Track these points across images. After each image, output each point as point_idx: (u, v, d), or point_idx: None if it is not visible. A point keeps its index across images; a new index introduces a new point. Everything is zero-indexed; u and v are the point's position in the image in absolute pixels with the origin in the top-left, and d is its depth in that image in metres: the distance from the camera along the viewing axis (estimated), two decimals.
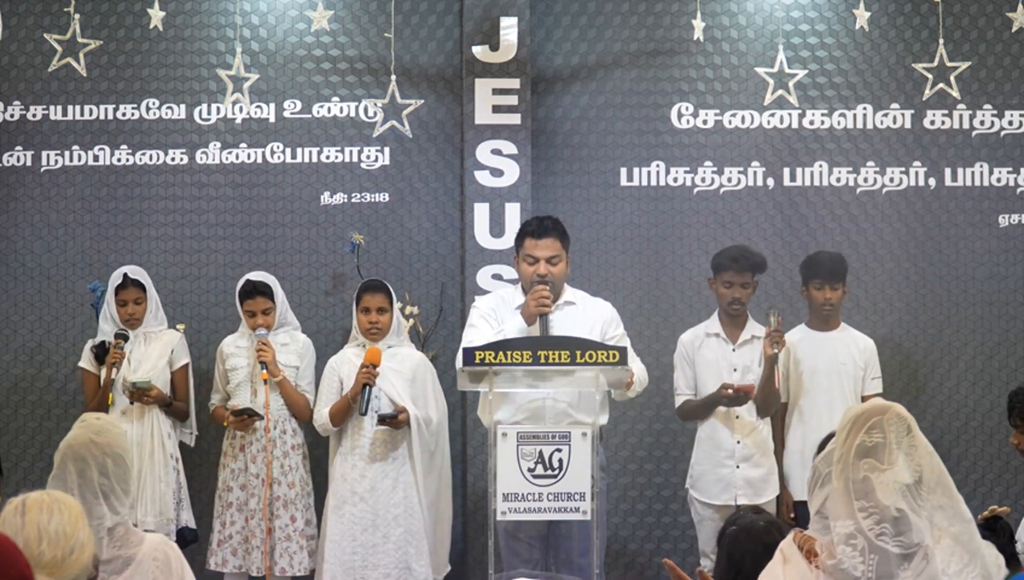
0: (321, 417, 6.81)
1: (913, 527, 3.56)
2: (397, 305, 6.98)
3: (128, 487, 4.10)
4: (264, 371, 6.75)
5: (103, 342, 6.89)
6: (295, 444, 6.88)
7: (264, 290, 6.94)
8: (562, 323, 6.16)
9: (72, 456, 4.04)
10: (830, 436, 4.22)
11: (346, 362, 6.87)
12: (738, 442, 6.68)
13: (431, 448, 6.84)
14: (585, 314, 6.32)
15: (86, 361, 6.98)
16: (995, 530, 4.33)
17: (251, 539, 6.75)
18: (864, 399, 6.72)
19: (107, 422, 4.20)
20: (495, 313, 6.28)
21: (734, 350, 6.78)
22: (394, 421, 6.68)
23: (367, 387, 6.61)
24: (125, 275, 6.94)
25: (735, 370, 6.74)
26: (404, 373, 6.82)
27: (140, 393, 6.74)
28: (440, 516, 6.90)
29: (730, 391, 6.61)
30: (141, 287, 6.94)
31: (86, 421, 4.16)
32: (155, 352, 6.93)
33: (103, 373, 6.84)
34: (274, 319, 6.93)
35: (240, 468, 6.81)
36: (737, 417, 6.69)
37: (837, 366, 6.85)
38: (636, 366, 6.18)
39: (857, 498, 3.59)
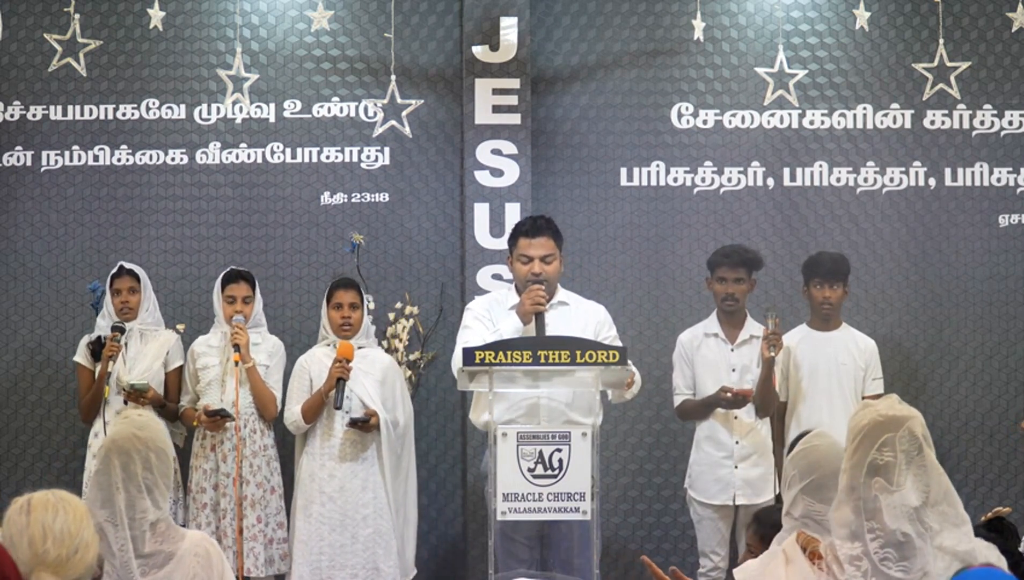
0: (292, 414, 6.80)
1: (917, 552, 3.54)
2: (369, 304, 6.97)
3: (170, 482, 4.12)
4: (236, 353, 6.74)
5: (99, 338, 6.89)
6: (264, 445, 6.85)
7: (248, 278, 6.95)
8: (556, 323, 6.16)
9: (116, 451, 4.05)
10: (800, 436, 4.21)
11: (315, 361, 6.87)
12: (737, 442, 6.69)
13: (398, 451, 6.84)
14: (579, 314, 6.32)
15: (81, 356, 6.98)
16: (1001, 531, 4.32)
17: (223, 539, 6.72)
18: (865, 399, 6.72)
19: (149, 417, 4.21)
20: (489, 313, 6.29)
21: (732, 350, 6.78)
22: (365, 425, 6.69)
23: (341, 381, 6.62)
24: (120, 265, 6.96)
25: (734, 370, 6.75)
26: (374, 374, 6.83)
27: (136, 394, 6.74)
28: (407, 519, 6.90)
29: (729, 395, 6.62)
30: (135, 277, 6.95)
31: (128, 417, 4.17)
32: (151, 352, 6.93)
33: (99, 367, 6.84)
34: (251, 312, 6.92)
35: (211, 468, 6.78)
36: (736, 417, 6.70)
37: (837, 366, 6.85)
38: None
39: (867, 518, 3.57)
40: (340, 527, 6.72)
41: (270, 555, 6.80)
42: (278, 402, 6.89)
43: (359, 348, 6.82)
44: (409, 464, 6.92)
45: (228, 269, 7.02)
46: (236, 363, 6.75)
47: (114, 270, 6.96)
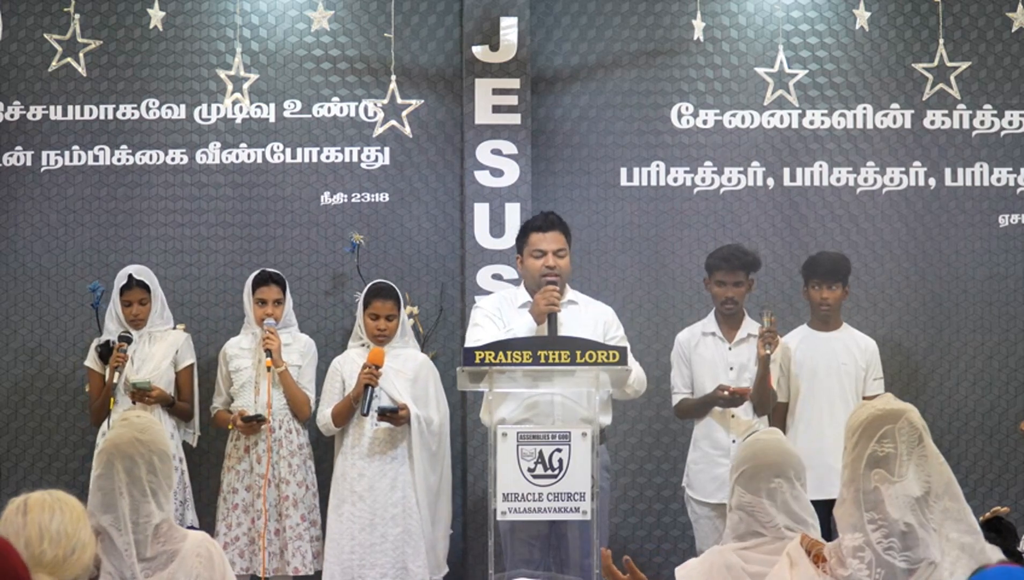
0: (324, 417, 6.83)
1: (920, 542, 3.54)
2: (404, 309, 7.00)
3: (172, 483, 4.13)
4: (268, 359, 6.76)
5: (107, 342, 6.88)
6: (300, 444, 6.89)
7: (279, 281, 6.96)
8: (567, 322, 6.14)
9: (119, 455, 4.05)
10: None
11: (349, 362, 6.88)
12: (734, 440, 6.70)
13: (432, 449, 6.84)
14: (588, 313, 6.32)
15: (91, 360, 6.98)
16: (999, 530, 4.32)
17: (257, 540, 6.75)
18: (866, 399, 6.72)
19: (149, 420, 4.21)
20: (499, 313, 6.27)
21: (730, 349, 6.79)
22: (395, 416, 6.68)
23: (369, 388, 6.62)
24: (130, 276, 6.94)
25: (731, 369, 6.76)
26: (406, 373, 6.83)
27: (141, 394, 6.74)
28: (439, 517, 6.90)
29: (726, 393, 6.63)
30: (146, 288, 6.95)
31: (128, 419, 4.17)
32: (159, 352, 6.93)
33: (107, 374, 6.83)
34: (282, 314, 6.94)
35: (246, 469, 6.81)
36: (733, 415, 6.71)
37: (838, 366, 6.85)
38: (634, 369, 6.18)
39: (867, 509, 3.57)
40: (370, 526, 6.73)
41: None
42: (312, 402, 6.92)
43: (392, 348, 6.83)
44: (444, 462, 6.93)
45: (259, 271, 7.04)
46: (268, 368, 6.76)
47: (124, 282, 6.94)
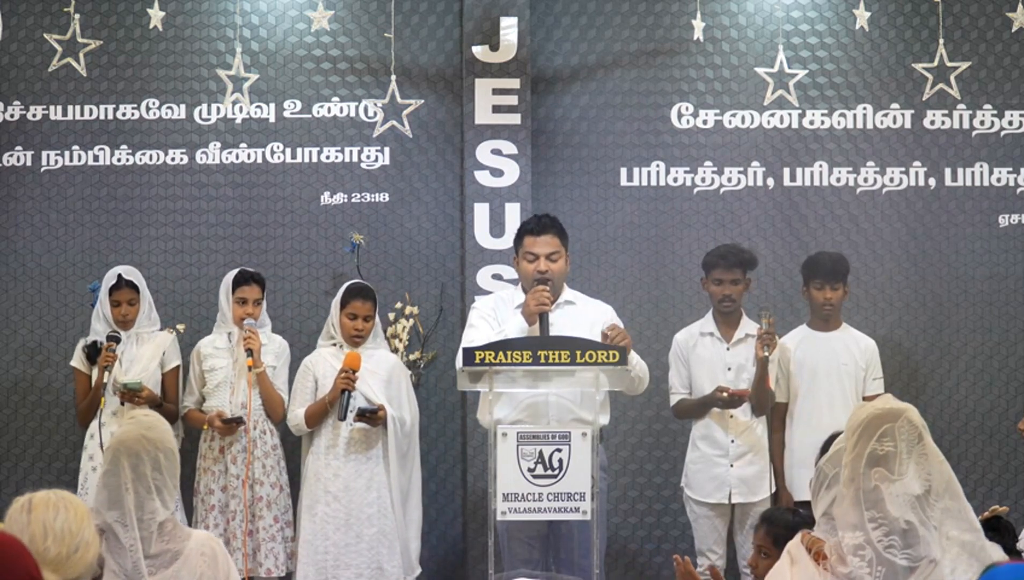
0: (296, 417, 6.80)
1: (921, 540, 3.54)
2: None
3: (177, 482, 4.16)
4: (249, 358, 6.73)
5: (95, 342, 6.87)
6: (274, 444, 6.86)
7: (260, 281, 6.95)
8: (561, 322, 6.15)
9: (125, 452, 4.08)
10: (833, 437, 4.21)
11: (321, 361, 6.86)
12: (732, 441, 6.70)
13: (404, 450, 6.83)
14: (585, 313, 6.32)
15: (77, 360, 6.97)
16: (998, 529, 4.33)
17: (232, 541, 6.71)
18: (866, 399, 6.73)
19: (156, 418, 4.23)
20: (495, 313, 6.28)
21: (728, 349, 6.79)
22: (373, 417, 6.67)
23: (346, 392, 6.61)
24: (119, 276, 6.93)
25: (729, 369, 6.76)
26: (380, 374, 6.82)
27: (131, 394, 6.72)
28: (409, 518, 6.89)
29: (725, 394, 6.63)
30: (135, 288, 6.93)
31: (136, 418, 4.21)
32: (147, 353, 6.91)
33: (95, 374, 6.82)
34: (260, 313, 6.92)
35: (221, 470, 6.78)
36: (731, 416, 6.72)
37: (838, 366, 6.86)
38: (637, 365, 6.17)
39: (867, 508, 3.57)
40: (345, 526, 6.71)
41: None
42: (286, 404, 6.88)
43: (365, 349, 6.82)
44: (414, 463, 6.92)
45: (239, 270, 7.00)
46: (250, 368, 6.74)
47: (112, 281, 6.92)
